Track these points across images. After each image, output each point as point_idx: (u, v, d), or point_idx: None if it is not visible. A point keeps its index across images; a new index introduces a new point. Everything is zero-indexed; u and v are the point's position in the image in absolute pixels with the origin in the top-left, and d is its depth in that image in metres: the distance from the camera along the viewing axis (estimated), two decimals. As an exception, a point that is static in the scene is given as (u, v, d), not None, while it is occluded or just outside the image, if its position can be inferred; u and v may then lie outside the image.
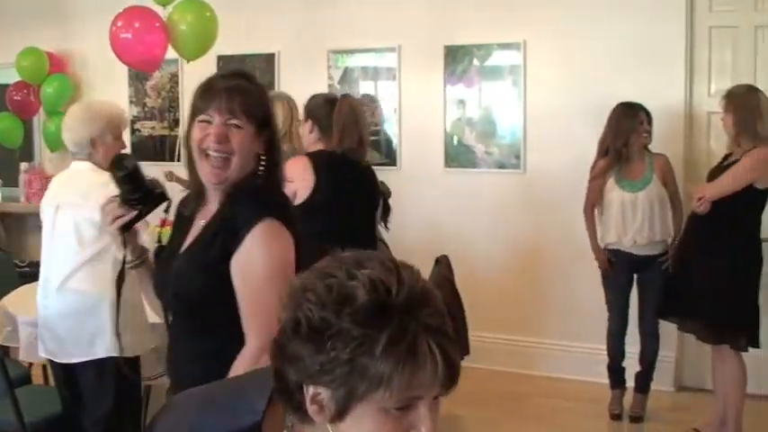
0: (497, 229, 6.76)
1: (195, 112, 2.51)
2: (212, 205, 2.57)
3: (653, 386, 5.81)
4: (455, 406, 5.31)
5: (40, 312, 4.15)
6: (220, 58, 7.41)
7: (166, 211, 2.68)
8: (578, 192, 5.83)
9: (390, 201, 5.33)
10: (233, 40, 6.90)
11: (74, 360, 4.03)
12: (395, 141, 7.11)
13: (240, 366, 2.37)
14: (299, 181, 4.28)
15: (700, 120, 6.19)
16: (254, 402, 1.56)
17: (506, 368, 6.63)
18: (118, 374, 3.76)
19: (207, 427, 1.59)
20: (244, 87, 2.51)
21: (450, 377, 1.39)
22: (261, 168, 2.55)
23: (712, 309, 5.03)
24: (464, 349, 4.58)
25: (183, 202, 2.71)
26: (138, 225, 2.70)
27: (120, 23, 5.88)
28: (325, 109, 4.56)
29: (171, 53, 6.13)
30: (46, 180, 7.97)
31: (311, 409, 1.40)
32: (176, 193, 2.82)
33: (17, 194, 8.50)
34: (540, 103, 6.53)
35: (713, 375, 5.32)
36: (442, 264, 4.89)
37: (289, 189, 4.10)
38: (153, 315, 3.18)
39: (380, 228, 5.25)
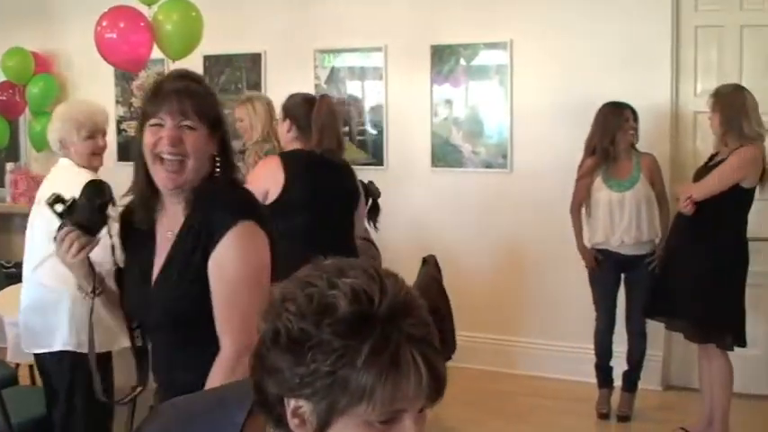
0: (484, 228, 6.76)
1: (145, 117, 2.45)
2: (175, 214, 2.51)
3: (640, 385, 5.83)
4: (441, 405, 5.31)
5: (20, 305, 4.25)
6: (207, 58, 7.41)
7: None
8: (565, 191, 5.84)
9: (378, 201, 5.32)
10: (219, 40, 6.88)
11: (36, 350, 4.13)
12: (382, 141, 7.11)
13: (218, 372, 2.34)
14: (270, 180, 4.32)
15: (686, 119, 6.21)
16: (233, 415, 1.54)
17: (493, 367, 6.64)
18: (80, 371, 3.85)
19: None
20: (193, 89, 2.46)
21: (436, 388, 1.35)
22: (217, 170, 2.50)
23: (699, 308, 5.03)
24: (451, 348, 4.58)
25: (127, 213, 2.62)
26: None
27: (104, 23, 5.85)
28: (303, 109, 4.56)
29: (157, 53, 6.10)
30: (32, 180, 7.96)
31: (292, 422, 1.37)
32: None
33: (3, 195, 8.45)
34: (527, 102, 6.53)
35: (700, 374, 5.33)
36: (430, 263, 4.89)
37: (260, 189, 4.14)
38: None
39: (370, 228, 5.25)
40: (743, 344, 5.09)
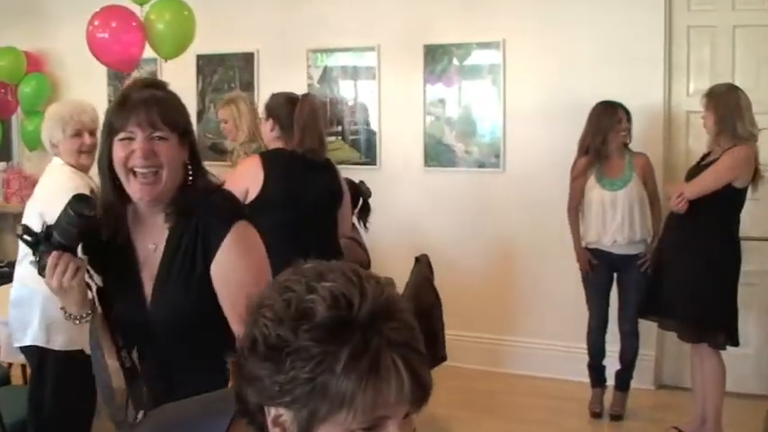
0: (477, 227, 6.76)
1: (113, 131, 2.38)
2: (155, 226, 2.46)
3: (633, 384, 5.83)
4: (433, 405, 5.32)
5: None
6: (199, 57, 7.41)
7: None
8: (557, 191, 5.84)
9: (370, 200, 5.32)
10: (212, 39, 6.87)
11: (16, 344, 4.20)
12: (374, 141, 7.10)
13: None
14: (250, 179, 4.35)
15: (678, 119, 6.21)
16: (217, 422, 1.52)
17: (486, 367, 6.64)
18: (48, 366, 4.03)
19: None
20: (159, 97, 2.41)
21: (419, 394, 1.31)
22: (189, 176, 2.47)
23: (692, 307, 5.04)
24: (440, 350, 4.59)
25: (94, 228, 2.42)
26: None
27: (96, 23, 5.83)
28: (286, 108, 4.57)
29: (149, 52, 6.09)
30: (24, 180, 7.96)
31: (274, 431, 1.34)
32: None
33: (-5, 194, 8.45)
34: (520, 102, 6.53)
35: (692, 374, 5.33)
36: (422, 263, 4.89)
37: (240, 188, 4.15)
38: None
39: (360, 228, 5.24)
40: (735, 343, 5.10)
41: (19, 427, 4.16)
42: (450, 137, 6.83)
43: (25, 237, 2.37)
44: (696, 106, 5.37)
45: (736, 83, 5.35)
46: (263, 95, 6.19)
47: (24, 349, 4.17)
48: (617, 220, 5.57)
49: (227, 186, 2.74)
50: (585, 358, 5.88)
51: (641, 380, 6.01)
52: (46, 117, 4.28)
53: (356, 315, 1.28)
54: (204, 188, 2.50)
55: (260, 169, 4.40)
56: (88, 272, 2.44)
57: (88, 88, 7.63)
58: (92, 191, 4.02)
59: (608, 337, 5.80)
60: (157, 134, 2.36)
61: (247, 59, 7.47)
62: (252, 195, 4.33)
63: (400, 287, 4.15)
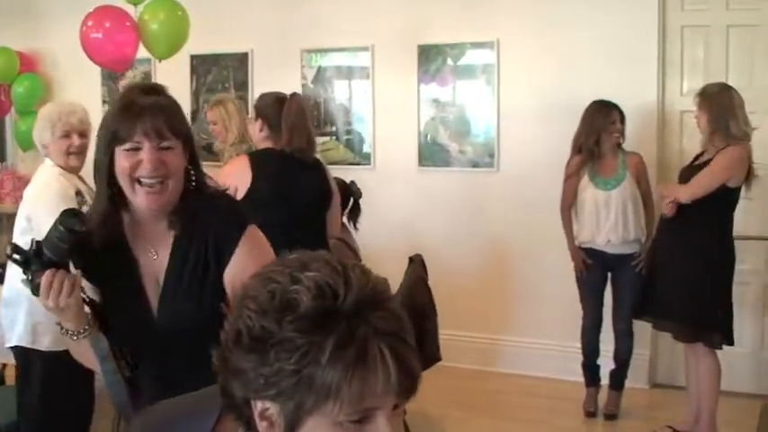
0: (471, 227, 6.75)
1: (117, 140, 2.30)
2: (157, 234, 2.42)
3: (627, 383, 5.83)
4: (427, 404, 5.33)
5: None
6: (193, 57, 7.41)
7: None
8: (552, 190, 5.84)
9: (363, 200, 5.30)
10: (206, 39, 6.87)
11: (6, 345, 4.23)
12: (369, 141, 7.10)
13: None
14: (238, 179, 4.32)
15: (672, 118, 6.22)
16: (202, 420, 1.52)
17: (480, 366, 6.64)
18: (34, 366, 4.06)
19: None
20: (164, 104, 2.35)
21: (406, 384, 1.28)
22: (192, 182, 2.44)
23: (690, 307, 5.03)
24: (434, 350, 4.58)
25: (85, 238, 2.31)
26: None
27: (90, 23, 5.83)
28: (274, 108, 4.56)
29: (143, 52, 6.08)
30: (18, 180, 7.93)
31: (261, 425, 1.32)
32: None
33: (-11, 195, 8.43)
34: (514, 101, 6.53)
35: (687, 373, 5.34)
36: (416, 263, 4.89)
37: (230, 188, 4.15)
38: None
39: (350, 228, 5.24)
40: (731, 342, 5.10)
41: (14, 427, 4.16)
42: (444, 137, 6.83)
43: (15, 256, 2.27)
44: (690, 106, 5.37)
45: (730, 82, 5.36)
46: (257, 96, 6.16)
47: (13, 349, 4.19)
48: (611, 219, 5.57)
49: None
50: (580, 358, 5.88)
51: (635, 379, 6.01)
52: (37, 118, 4.29)
53: (341, 305, 1.26)
54: (209, 194, 2.49)
55: (248, 169, 4.39)
56: (81, 288, 2.35)
57: (82, 88, 7.63)
58: (78, 192, 4.03)
59: (602, 336, 5.81)
60: (165, 144, 2.31)
61: (241, 59, 7.47)
62: (240, 195, 4.33)
63: (394, 287, 4.14)
